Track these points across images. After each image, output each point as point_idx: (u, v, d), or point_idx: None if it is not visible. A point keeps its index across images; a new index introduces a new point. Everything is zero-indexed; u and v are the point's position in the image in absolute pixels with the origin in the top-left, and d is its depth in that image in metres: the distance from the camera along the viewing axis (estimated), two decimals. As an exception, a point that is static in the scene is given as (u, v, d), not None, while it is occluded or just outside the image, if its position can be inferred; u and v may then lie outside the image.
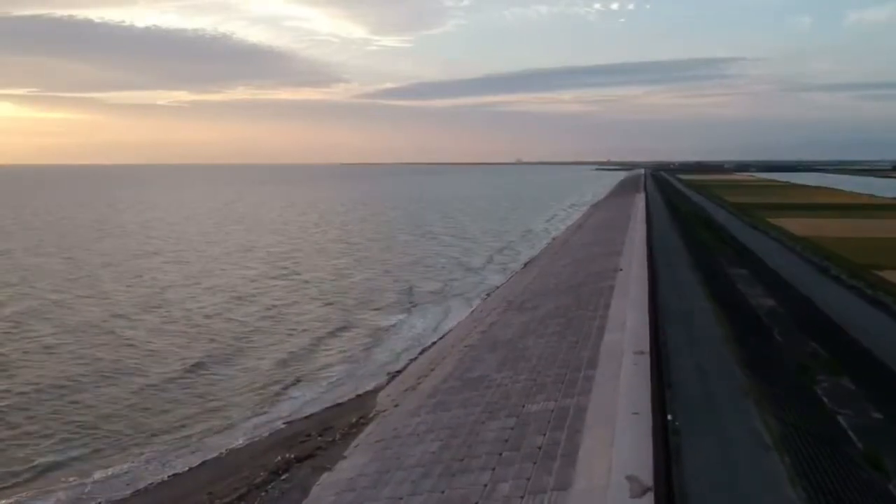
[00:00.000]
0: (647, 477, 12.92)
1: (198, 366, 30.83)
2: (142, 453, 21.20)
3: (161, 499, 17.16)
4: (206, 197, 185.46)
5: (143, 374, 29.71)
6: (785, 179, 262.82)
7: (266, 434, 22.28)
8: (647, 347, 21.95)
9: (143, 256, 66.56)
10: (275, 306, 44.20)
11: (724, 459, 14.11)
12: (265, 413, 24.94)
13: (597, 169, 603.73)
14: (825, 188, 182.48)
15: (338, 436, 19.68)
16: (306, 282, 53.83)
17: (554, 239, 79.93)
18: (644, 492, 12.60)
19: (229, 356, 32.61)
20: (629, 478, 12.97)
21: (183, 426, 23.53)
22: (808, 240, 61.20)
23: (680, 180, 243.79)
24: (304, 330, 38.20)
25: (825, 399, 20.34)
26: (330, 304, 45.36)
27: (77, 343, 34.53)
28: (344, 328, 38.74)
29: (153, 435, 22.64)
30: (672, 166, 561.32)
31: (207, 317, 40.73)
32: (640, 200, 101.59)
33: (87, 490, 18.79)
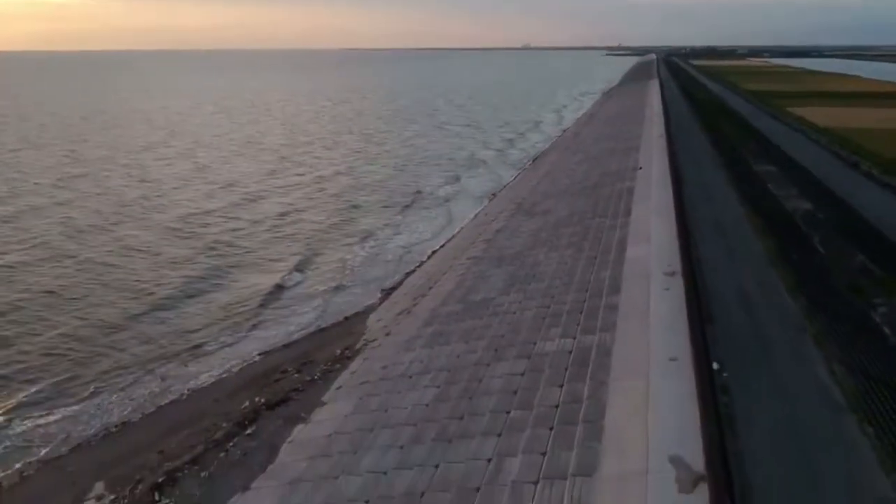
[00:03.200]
0: (696, 459, 10.06)
1: (170, 285, 27.18)
2: (89, 396, 18.00)
3: (102, 458, 14.38)
4: (224, 84, 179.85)
5: (105, 297, 25.70)
6: (799, 65, 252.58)
7: (237, 369, 19.22)
8: (678, 266, 18.87)
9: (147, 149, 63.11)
10: (275, 210, 40.83)
11: (791, 430, 11.21)
12: (238, 341, 21.69)
13: (607, 54, 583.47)
14: (841, 75, 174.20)
15: (317, 373, 16.89)
16: (319, 181, 50.38)
17: (564, 131, 75.57)
18: (695, 482, 9.75)
19: (208, 270, 29.22)
20: (673, 460, 10.11)
21: (141, 361, 20.16)
22: (832, 131, 56.90)
23: (693, 66, 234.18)
24: (293, 235, 35.05)
25: (886, 329, 17.35)
26: (333, 206, 42.00)
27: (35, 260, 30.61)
28: (339, 235, 35.41)
29: (104, 372, 19.29)
30: (684, 51, 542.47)
31: (203, 224, 37.05)
32: (654, 88, 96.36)
33: (9, 444, 15.81)
